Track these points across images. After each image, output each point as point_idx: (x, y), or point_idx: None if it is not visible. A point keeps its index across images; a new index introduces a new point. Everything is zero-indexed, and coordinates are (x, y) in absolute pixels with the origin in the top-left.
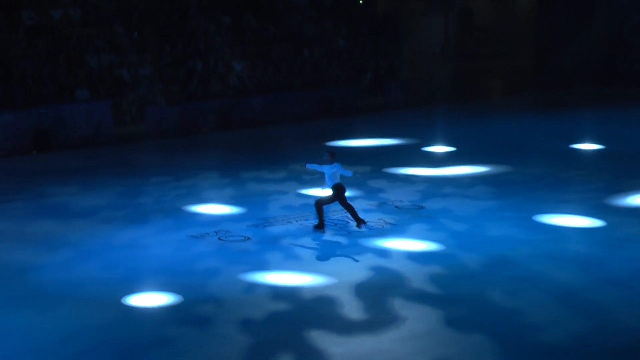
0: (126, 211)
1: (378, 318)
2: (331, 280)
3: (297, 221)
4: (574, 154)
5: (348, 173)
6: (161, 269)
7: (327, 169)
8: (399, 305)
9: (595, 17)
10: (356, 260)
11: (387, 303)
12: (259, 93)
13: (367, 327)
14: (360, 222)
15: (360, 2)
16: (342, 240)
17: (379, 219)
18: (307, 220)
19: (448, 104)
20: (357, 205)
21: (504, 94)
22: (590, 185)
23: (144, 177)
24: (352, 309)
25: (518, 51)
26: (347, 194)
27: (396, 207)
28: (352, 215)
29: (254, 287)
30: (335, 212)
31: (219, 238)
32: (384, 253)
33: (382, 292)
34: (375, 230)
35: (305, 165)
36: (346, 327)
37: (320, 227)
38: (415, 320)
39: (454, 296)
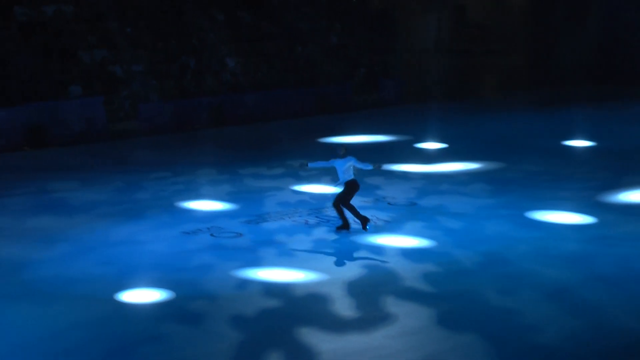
0: (124, 207)
1: (370, 315)
2: (323, 277)
3: (289, 217)
4: (568, 151)
5: (368, 166)
6: (156, 265)
7: (340, 164)
8: (391, 302)
9: (590, 14)
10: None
11: (379, 300)
12: (253, 89)
13: (359, 324)
14: (364, 221)
15: None
16: (335, 237)
17: (372, 216)
18: (300, 217)
19: (442, 100)
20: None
21: (499, 91)
22: (585, 182)
23: (142, 173)
24: (344, 306)
25: (513, 48)
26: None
27: (389, 203)
28: (354, 215)
29: (247, 283)
30: (327, 209)
31: (211, 234)
32: (377, 250)
33: (374, 289)
34: (369, 226)
35: (307, 165)
36: (337, 324)
37: (344, 227)
38: (407, 317)
39: (446, 294)
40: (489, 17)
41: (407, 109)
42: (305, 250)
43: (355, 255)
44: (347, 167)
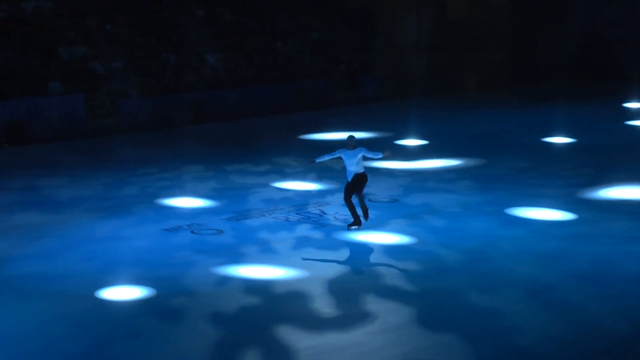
0: (110, 202)
1: (350, 313)
2: (304, 274)
3: (270, 214)
4: (549, 148)
5: (378, 154)
6: (137, 261)
7: (350, 155)
8: (371, 300)
9: (569, 10)
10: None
11: (359, 298)
12: (233, 86)
13: (338, 321)
14: (356, 222)
15: None
16: (317, 234)
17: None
18: (281, 213)
19: (422, 97)
20: (335, 199)
21: (479, 88)
22: (567, 179)
23: (129, 169)
24: (324, 304)
25: (492, 45)
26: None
27: (369, 200)
28: (351, 211)
29: (227, 280)
30: (309, 206)
31: (192, 231)
32: (359, 247)
33: (355, 286)
34: (349, 223)
35: (314, 162)
36: (317, 322)
37: (355, 223)
38: (387, 315)
39: (427, 292)
40: (469, 13)
41: (387, 105)
42: (286, 247)
43: (337, 252)
44: (358, 159)
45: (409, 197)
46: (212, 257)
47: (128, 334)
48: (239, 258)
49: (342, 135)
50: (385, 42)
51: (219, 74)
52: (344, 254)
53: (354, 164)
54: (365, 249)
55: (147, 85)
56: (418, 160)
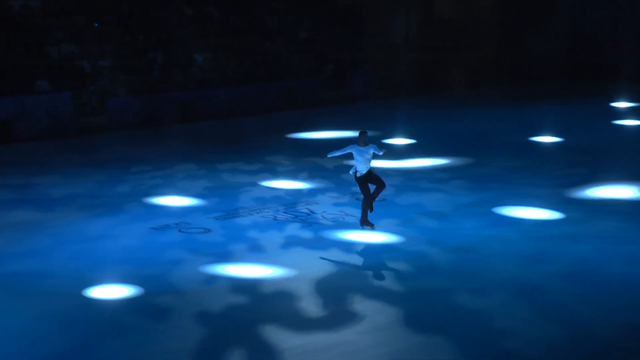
0: (103, 200)
1: (337, 312)
2: (292, 274)
3: (258, 213)
4: (537, 147)
5: (379, 152)
6: (126, 259)
7: (361, 152)
8: (359, 300)
9: (556, 10)
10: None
11: (347, 297)
12: (222, 85)
13: (326, 321)
14: (366, 222)
15: None
16: (306, 233)
17: (340, 212)
18: (269, 212)
19: (411, 96)
20: (322, 198)
21: (467, 87)
22: (557, 179)
23: (121, 168)
24: (312, 303)
25: (481, 44)
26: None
27: (357, 199)
28: (364, 210)
29: (215, 279)
30: (299, 204)
31: (180, 230)
32: (348, 247)
33: (343, 286)
34: (337, 222)
35: (326, 156)
36: (304, 321)
37: (365, 222)
38: (375, 315)
39: (416, 293)
40: (457, 12)
41: (375, 104)
42: (275, 246)
43: (326, 251)
44: (370, 156)
45: (400, 197)
46: (201, 256)
47: (115, 332)
48: (227, 257)
49: (330, 134)
50: (373, 41)
51: (207, 73)
52: (332, 253)
53: (365, 161)
54: (354, 249)
55: (134, 84)
56: (406, 159)
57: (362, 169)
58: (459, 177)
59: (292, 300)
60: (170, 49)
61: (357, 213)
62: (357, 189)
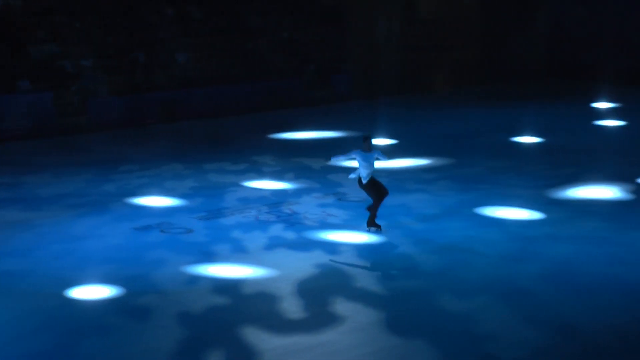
0: (90, 199)
1: (318, 314)
2: (275, 275)
3: (240, 213)
4: (518, 148)
5: (385, 158)
6: (109, 259)
7: (366, 157)
8: (341, 301)
9: (538, 10)
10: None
11: (329, 299)
12: (204, 84)
13: (307, 322)
14: (373, 224)
15: None
16: (290, 234)
17: (323, 212)
18: (251, 212)
19: (393, 96)
20: (306, 198)
21: (450, 87)
22: (537, 180)
23: (108, 167)
24: (293, 304)
25: (463, 44)
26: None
27: (339, 199)
28: (373, 212)
29: (197, 279)
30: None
31: (161, 230)
32: (332, 249)
33: (325, 287)
34: (320, 222)
35: (329, 159)
36: (285, 322)
37: (372, 224)
38: (356, 318)
39: (399, 295)
40: (439, 12)
41: (358, 104)
42: (257, 247)
43: (309, 252)
44: (373, 162)
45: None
46: (183, 256)
47: (96, 331)
48: (209, 257)
49: (314, 135)
50: (355, 41)
51: (189, 73)
52: (315, 254)
53: (369, 166)
54: (337, 249)
55: (117, 84)
56: (390, 159)
57: (365, 175)
58: (443, 178)
59: (274, 301)
60: (152, 49)
61: (341, 213)
62: (342, 189)
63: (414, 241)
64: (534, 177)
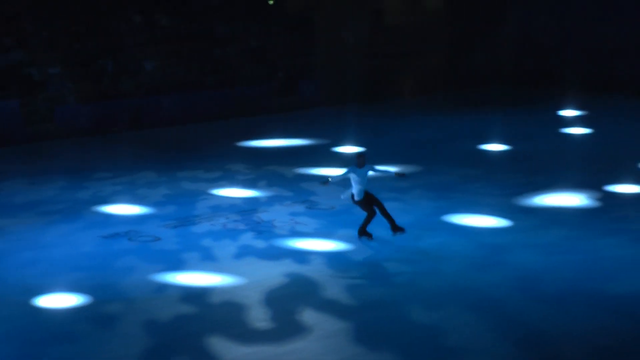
0: (63, 206)
1: (286, 323)
2: (243, 284)
3: (208, 221)
4: (484, 155)
5: (389, 172)
6: (79, 267)
7: (360, 173)
8: (307, 312)
9: (505, 17)
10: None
11: (297, 308)
12: (171, 92)
13: (273, 332)
14: (364, 233)
15: (271, 2)
16: (259, 242)
17: (291, 220)
18: (220, 219)
19: (361, 103)
20: (277, 206)
21: (417, 93)
22: (505, 189)
23: (83, 175)
24: (260, 313)
25: (430, 50)
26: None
27: (307, 207)
28: (366, 222)
29: (165, 287)
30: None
31: (129, 239)
32: (301, 256)
33: (294, 296)
34: (290, 231)
35: (328, 180)
36: (251, 331)
37: (397, 228)
38: (323, 326)
39: (368, 308)
40: (406, 19)
41: (326, 111)
42: (226, 255)
43: (278, 261)
44: (366, 177)
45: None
46: (152, 264)
47: (62, 338)
48: (178, 265)
49: (280, 143)
50: (323, 48)
51: (157, 80)
52: (284, 263)
53: (362, 182)
54: (307, 258)
55: (84, 92)
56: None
57: (357, 191)
58: (416, 187)
59: (242, 310)
60: (119, 56)
61: (311, 222)
62: (314, 198)
63: (384, 250)
64: (502, 185)
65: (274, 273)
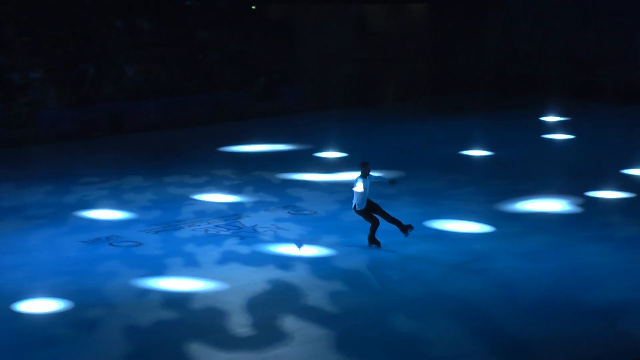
0: (48, 211)
1: (266, 329)
2: (225, 289)
3: (189, 227)
4: (467, 161)
5: (384, 179)
6: (61, 271)
7: (367, 183)
8: (289, 318)
9: (487, 23)
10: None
11: (278, 314)
12: (153, 97)
13: (254, 338)
14: (373, 241)
15: (253, 7)
16: (242, 248)
17: (273, 225)
18: (201, 224)
19: (343, 108)
20: (260, 212)
21: (399, 99)
22: (489, 196)
23: (70, 180)
24: (241, 319)
25: (413, 56)
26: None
27: (289, 212)
28: (372, 230)
29: (147, 292)
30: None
31: (110, 244)
32: (284, 262)
33: (275, 302)
34: (274, 236)
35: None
36: (232, 337)
37: (406, 227)
38: (305, 332)
39: (350, 316)
40: (389, 25)
41: (308, 117)
42: (208, 260)
43: (261, 266)
44: (369, 186)
45: (343, 213)
46: (135, 269)
47: (44, 343)
48: (160, 270)
49: (262, 148)
50: (306, 54)
51: (138, 85)
52: (267, 268)
53: (367, 191)
54: (290, 265)
55: (66, 96)
56: (336, 173)
57: (360, 201)
58: (401, 193)
59: (223, 315)
60: (101, 61)
61: (294, 227)
62: (299, 204)
63: (368, 256)
64: (486, 191)
65: (256, 279)
